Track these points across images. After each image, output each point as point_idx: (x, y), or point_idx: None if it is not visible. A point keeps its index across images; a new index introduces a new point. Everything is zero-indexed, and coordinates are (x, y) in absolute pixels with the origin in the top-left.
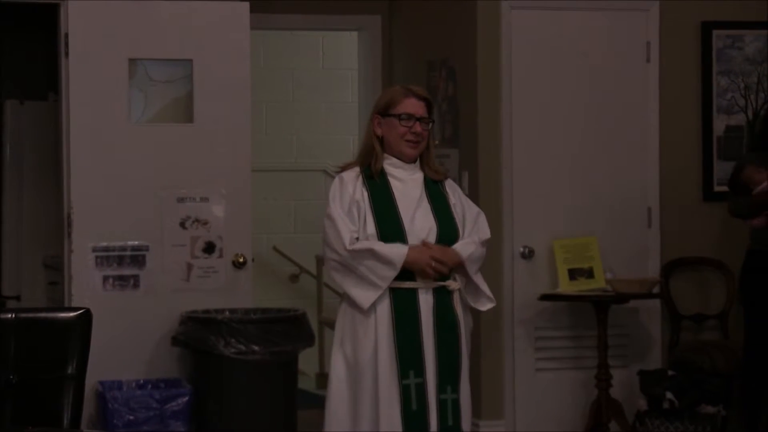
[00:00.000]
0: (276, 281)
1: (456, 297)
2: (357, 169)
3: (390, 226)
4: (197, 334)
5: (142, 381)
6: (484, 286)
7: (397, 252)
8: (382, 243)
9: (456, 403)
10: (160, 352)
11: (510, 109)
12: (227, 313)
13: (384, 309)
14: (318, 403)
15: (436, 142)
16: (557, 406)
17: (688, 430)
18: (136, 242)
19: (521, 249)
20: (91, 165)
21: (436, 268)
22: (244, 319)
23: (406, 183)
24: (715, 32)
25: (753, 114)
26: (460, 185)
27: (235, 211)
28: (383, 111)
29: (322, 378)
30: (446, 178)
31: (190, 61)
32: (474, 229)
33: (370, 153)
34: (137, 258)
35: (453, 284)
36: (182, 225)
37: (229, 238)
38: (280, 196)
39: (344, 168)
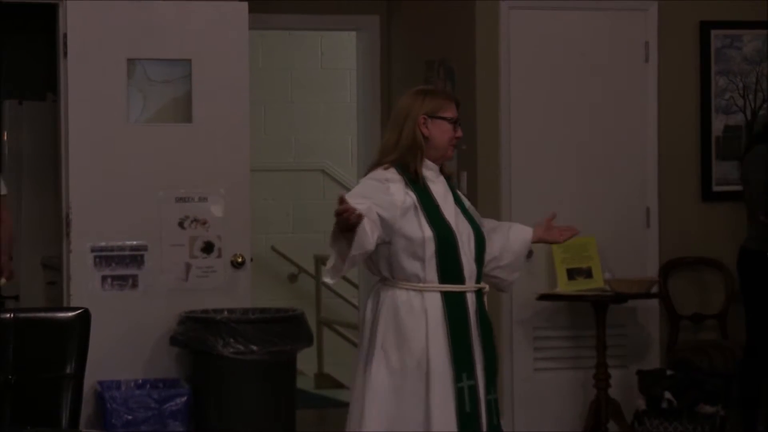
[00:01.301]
0: (275, 281)
1: (485, 299)
2: (394, 170)
3: (443, 230)
4: (196, 334)
5: (140, 381)
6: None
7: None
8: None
9: (497, 403)
10: (158, 352)
11: (508, 109)
12: (226, 313)
13: (436, 311)
14: (317, 403)
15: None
16: (556, 405)
17: (687, 429)
18: (135, 242)
19: None
20: (89, 165)
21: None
22: (243, 319)
23: (438, 186)
24: (713, 32)
25: (752, 114)
26: (459, 185)
27: (234, 211)
28: (432, 113)
29: (321, 378)
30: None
31: (189, 61)
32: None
33: (414, 153)
34: (136, 258)
35: (486, 286)
36: (181, 225)
37: (228, 238)
38: (279, 196)
39: (373, 168)
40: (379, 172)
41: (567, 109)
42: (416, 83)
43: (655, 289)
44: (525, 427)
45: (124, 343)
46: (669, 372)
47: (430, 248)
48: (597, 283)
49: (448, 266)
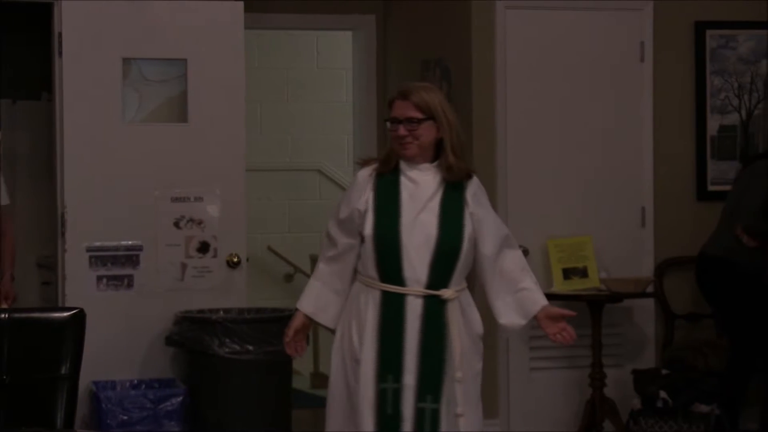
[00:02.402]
0: (270, 281)
1: (452, 307)
2: (375, 166)
3: (387, 228)
4: (191, 333)
5: (136, 381)
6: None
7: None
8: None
9: (436, 414)
10: (154, 352)
11: (504, 108)
12: (222, 312)
13: (373, 310)
14: (313, 402)
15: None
16: (551, 405)
17: (682, 429)
18: (130, 242)
19: None
20: (84, 165)
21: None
22: (239, 318)
23: (419, 184)
24: (708, 32)
25: (747, 114)
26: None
27: (230, 211)
28: (388, 116)
29: (317, 377)
30: (467, 177)
31: (185, 60)
32: (511, 256)
33: (389, 155)
34: (131, 258)
35: (447, 293)
36: (176, 225)
37: (224, 238)
38: (275, 195)
39: (365, 163)
40: (354, 179)
41: (563, 108)
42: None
43: (650, 289)
44: (520, 427)
45: (120, 343)
46: (664, 371)
47: (370, 246)
48: (593, 282)
49: (387, 266)
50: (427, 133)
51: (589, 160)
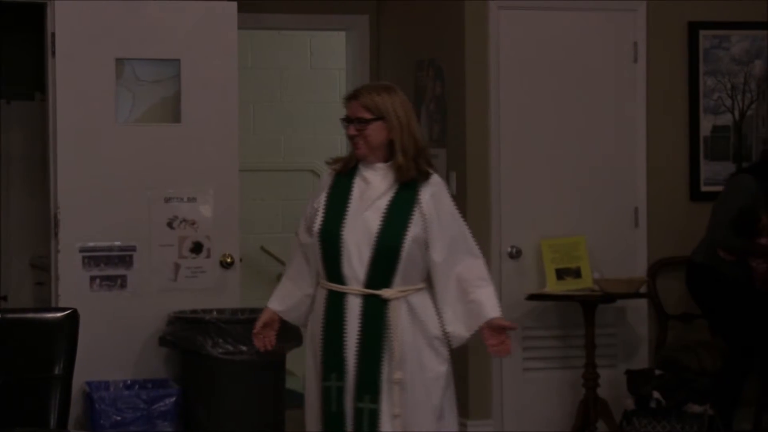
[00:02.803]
0: (264, 281)
1: (395, 307)
2: (338, 165)
3: (331, 225)
4: (185, 334)
5: (129, 381)
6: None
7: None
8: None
9: (374, 414)
10: (147, 352)
11: (498, 108)
12: (215, 313)
13: (320, 308)
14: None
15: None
16: (545, 405)
17: (675, 429)
18: (124, 242)
19: (509, 249)
20: (78, 165)
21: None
22: (232, 319)
23: (370, 183)
24: (701, 32)
25: (740, 114)
26: (448, 185)
27: (223, 211)
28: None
29: None
30: (424, 178)
31: (178, 60)
32: (464, 260)
33: (351, 155)
34: (124, 258)
35: (388, 293)
36: (170, 225)
37: (217, 238)
38: (268, 195)
39: (333, 162)
40: (323, 174)
41: (556, 109)
42: (406, 83)
43: (643, 289)
44: (513, 427)
45: (113, 343)
46: (658, 372)
47: (316, 244)
48: (586, 283)
49: (330, 264)
50: (375, 133)
51: (582, 161)
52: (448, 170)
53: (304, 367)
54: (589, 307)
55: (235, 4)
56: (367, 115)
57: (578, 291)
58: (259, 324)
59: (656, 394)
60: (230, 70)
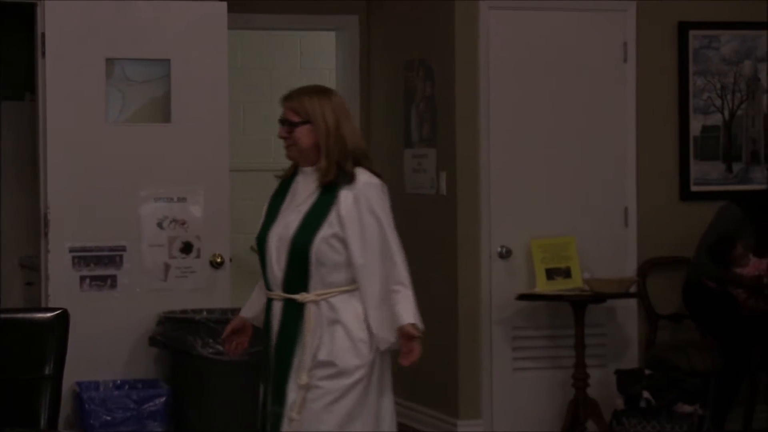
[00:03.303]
0: (253, 281)
1: (312, 310)
2: (284, 172)
3: (262, 231)
4: (175, 334)
5: (119, 381)
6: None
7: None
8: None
9: (278, 418)
10: (137, 352)
11: (488, 108)
12: (205, 313)
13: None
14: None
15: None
16: (535, 405)
17: (665, 429)
18: (114, 242)
19: (499, 249)
20: (68, 165)
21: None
22: (222, 319)
23: (299, 188)
24: (691, 32)
25: (729, 114)
26: (438, 185)
27: (213, 211)
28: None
29: None
30: (348, 181)
31: (168, 60)
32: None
33: None
34: (114, 258)
35: (304, 296)
36: (160, 225)
37: (207, 238)
38: (258, 196)
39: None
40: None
41: (546, 109)
42: (396, 83)
43: (633, 289)
44: (503, 427)
45: (103, 343)
46: (647, 371)
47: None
48: (576, 282)
49: (263, 270)
50: (303, 136)
51: (572, 161)
52: (438, 170)
53: None
54: (579, 307)
55: (225, 4)
56: (296, 119)
57: (568, 291)
58: (228, 329)
59: (646, 394)
60: (220, 70)
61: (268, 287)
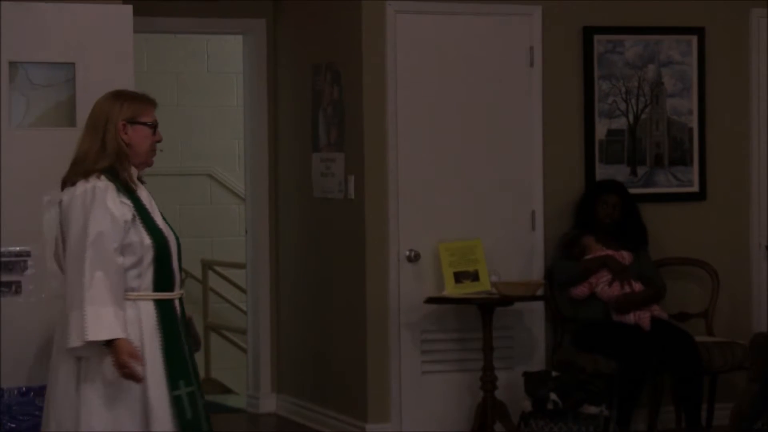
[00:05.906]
0: None
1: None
2: (104, 178)
3: (159, 237)
4: None
5: (24, 389)
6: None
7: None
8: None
9: (205, 407)
10: (42, 359)
11: (395, 112)
12: None
13: (150, 320)
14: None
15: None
16: (443, 408)
17: (572, 430)
18: (18, 248)
19: (407, 252)
20: None
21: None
22: None
23: (143, 193)
24: (596, 37)
25: (634, 118)
26: (346, 189)
27: None
28: (131, 118)
29: (208, 383)
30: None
31: (73, 64)
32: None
33: (121, 161)
34: (19, 264)
35: (183, 292)
36: None
37: None
38: (166, 200)
39: (86, 175)
40: (99, 188)
41: (453, 112)
42: (303, 87)
43: (540, 292)
44: (412, 429)
45: (7, 350)
46: (555, 373)
47: (149, 257)
48: (483, 286)
49: (163, 274)
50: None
51: (479, 164)
52: (347, 174)
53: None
54: (486, 310)
55: (130, 7)
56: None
57: (476, 294)
58: (125, 359)
59: (553, 396)
60: (126, 74)
61: (167, 289)
